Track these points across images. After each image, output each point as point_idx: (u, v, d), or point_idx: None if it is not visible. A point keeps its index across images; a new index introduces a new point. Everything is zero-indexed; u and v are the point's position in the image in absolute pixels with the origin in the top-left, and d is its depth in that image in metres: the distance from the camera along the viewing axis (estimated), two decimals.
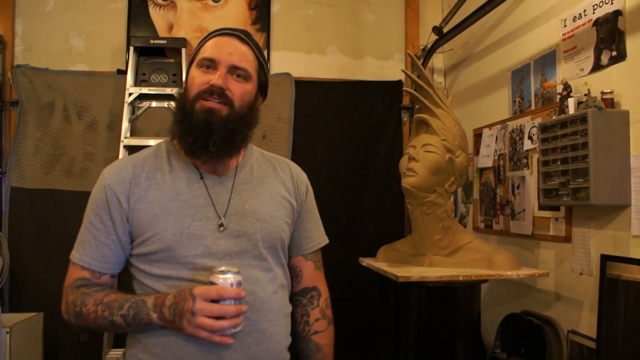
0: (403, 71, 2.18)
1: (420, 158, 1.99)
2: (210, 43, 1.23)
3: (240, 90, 1.20)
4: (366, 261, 2.29)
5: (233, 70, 1.20)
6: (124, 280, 1.29)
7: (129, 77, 2.87)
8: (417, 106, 2.15)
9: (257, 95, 1.28)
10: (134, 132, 2.89)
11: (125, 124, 2.83)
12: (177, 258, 1.14)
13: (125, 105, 2.84)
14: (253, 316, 1.15)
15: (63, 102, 2.91)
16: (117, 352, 2.55)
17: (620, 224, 1.73)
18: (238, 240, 1.18)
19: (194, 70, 1.22)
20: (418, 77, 2.09)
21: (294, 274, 1.35)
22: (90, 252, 1.19)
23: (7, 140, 2.89)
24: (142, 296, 1.14)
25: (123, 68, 2.97)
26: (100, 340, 2.59)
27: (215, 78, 1.17)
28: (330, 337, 1.36)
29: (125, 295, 1.15)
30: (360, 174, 3.10)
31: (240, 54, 1.21)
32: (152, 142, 2.51)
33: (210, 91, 1.17)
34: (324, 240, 1.40)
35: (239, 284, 1.06)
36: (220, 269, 1.07)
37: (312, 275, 1.37)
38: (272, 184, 1.29)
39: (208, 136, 1.16)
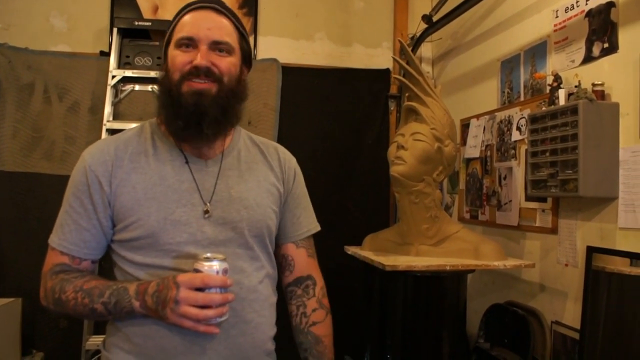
0: (393, 58, 2.16)
1: (409, 146, 1.97)
2: (185, 19, 1.16)
3: (226, 64, 1.15)
4: (352, 250, 2.27)
5: (214, 45, 1.14)
6: (105, 266, 1.25)
7: (112, 59, 2.80)
8: (406, 94, 2.12)
9: (242, 66, 1.22)
10: (116, 116, 2.83)
11: (107, 107, 2.76)
12: (160, 245, 1.10)
13: (108, 88, 2.77)
14: (238, 306, 1.11)
15: (44, 83, 2.82)
16: (97, 339, 2.51)
17: (607, 216, 1.73)
18: (223, 228, 1.14)
19: (173, 51, 1.16)
20: (408, 64, 2.07)
21: (285, 262, 1.31)
22: (70, 237, 1.14)
23: None
24: (124, 283, 1.10)
25: (106, 50, 2.89)
26: (80, 327, 2.55)
27: (198, 58, 1.11)
28: (329, 327, 1.31)
29: (107, 282, 1.11)
30: (347, 162, 3.08)
31: (219, 27, 1.16)
32: (135, 125, 2.45)
33: (195, 72, 1.12)
34: (314, 227, 1.35)
35: (225, 271, 1.03)
36: (205, 256, 1.03)
37: (305, 263, 1.32)
38: (260, 170, 1.25)
39: (200, 118, 1.12)
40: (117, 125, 2.72)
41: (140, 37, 2.87)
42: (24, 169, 2.76)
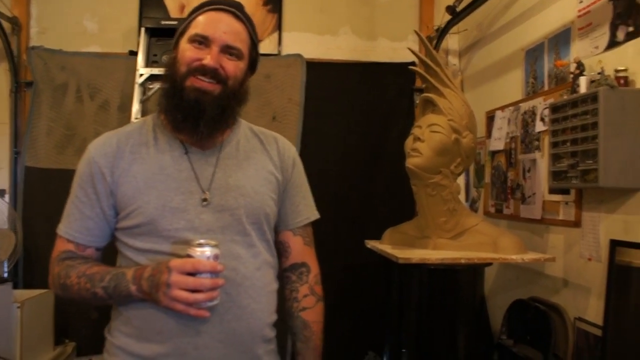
0: (409, 49, 2.12)
1: (426, 138, 1.94)
2: (203, 18, 1.19)
3: (233, 67, 1.19)
4: (371, 243, 2.26)
5: (226, 49, 1.17)
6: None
7: (140, 58, 2.87)
8: (424, 85, 2.10)
9: (247, 71, 1.26)
10: (144, 113, 2.89)
11: (135, 105, 2.84)
12: (159, 231, 1.14)
13: (136, 86, 2.85)
14: (234, 292, 1.13)
15: (76, 83, 2.93)
16: None
17: (632, 208, 1.66)
18: (221, 215, 1.16)
19: (185, 44, 1.19)
20: (426, 55, 2.04)
21: (282, 249, 1.33)
22: (75, 225, 1.20)
23: (22, 121, 2.93)
24: (123, 268, 1.14)
25: (135, 49, 2.97)
26: (109, 318, 2.61)
27: (209, 59, 1.15)
28: (319, 313, 1.33)
29: (108, 268, 1.15)
30: (372, 156, 3.06)
31: (234, 32, 1.19)
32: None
33: (202, 70, 1.15)
34: (313, 215, 1.36)
35: (216, 257, 1.05)
36: (198, 242, 1.05)
37: (301, 250, 1.34)
38: (259, 159, 1.27)
39: (199, 115, 1.15)
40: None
41: (167, 36, 2.92)
42: (58, 166, 2.87)
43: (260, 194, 1.22)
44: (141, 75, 2.85)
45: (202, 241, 1.06)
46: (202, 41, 1.17)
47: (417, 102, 2.99)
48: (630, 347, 1.61)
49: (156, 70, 2.85)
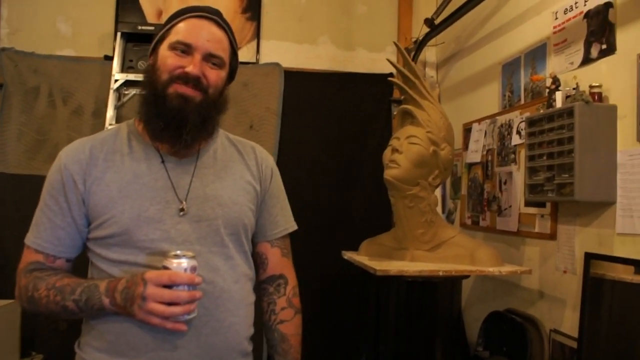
0: (388, 60, 2.12)
1: (404, 150, 1.94)
2: (185, 25, 1.17)
3: (215, 77, 1.17)
4: (348, 254, 2.24)
5: (209, 57, 1.16)
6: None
7: (116, 64, 2.82)
8: (402, 97, 2.10)
9: (227, 80, 1.24)
10: (119, 119, 2.83)
11: (110, 111, 2.78)
12: (134, 242, 1.10)
13: (111, 91, 2.79)
14: (211, 305, 1.10)
15: (49, 87, 2.86)
16: None
17: (605, 221, 1.68)
18: (198, 225, 1.14)
19: (166, 51, 1.16)
20: (404, 67, 2.04)
21: (259, 261, 1.30)
22: (45, 235, 1.15)
23: None
24: (95, 280, 1.09)
25: (110, 54, 2.92)
26: (79, 329, 2.53)
27: (192, 67, 1.13)
28: (297, 326, 1.31)
29: (79, 280, 1.11)
30: (349, 166, 3.05)
31: (216, 41, 1.17)
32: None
33: (184, 78, 1.13)
34: (291, 226, 1.34)
35: (193, 269, 1.02)
36: (174, 253, 1.02)
37: (279, 262, 1.32)
38: (236, 169, 1.25)
39: (181, 123, 1.12)
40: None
41: (143, 41, 2.88)
42: (28, 172, 2.78)
43: (238, 204, 1.20)
44: (116, 80, 2.80)
45: (178, 252, 1.03)
46: (184, 49, 1.14)
47: (395, 113, 3.02)
48: (604, 359, 1.63)
49: (132, 76, 2.81)
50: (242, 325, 1.18)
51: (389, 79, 2.17)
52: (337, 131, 3.05)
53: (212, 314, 1.11)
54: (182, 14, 1.19)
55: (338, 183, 3.03)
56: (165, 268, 1.01)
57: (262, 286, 1.32)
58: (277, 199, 1.32)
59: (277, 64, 3.00)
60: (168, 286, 1.00)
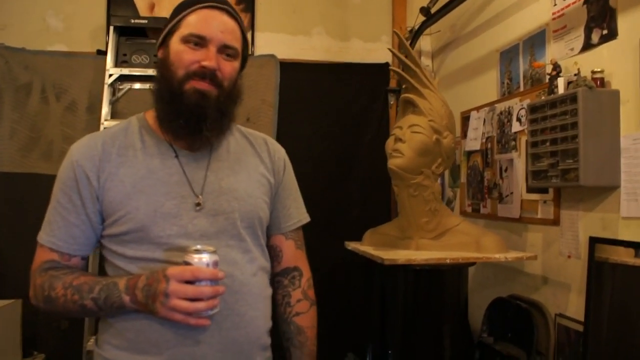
0: (390, 50, 2.12)
1: (407, 139, 1.94)
2: (197, 17, 1.13)
3: (230, 69, 1.15)
4: (352, 245, 2.25)
5: (223, 49, 1.13)
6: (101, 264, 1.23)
7: (109, 58, 2.78)
8: (403, 86, 2.10)
9: (239, 70, 1.22)
10: (114, 115, 2.81)
11: (105, 106, 2.74)
12: (151, 238, 1.09)
13: (105, 86, 2.76)
14: (231, 299, 1.10)
15: (41, 83, 2.81)
16: None
17: (610, 205, 1.70)
18: (215, 220, 1.13)
19: (179, 45, 1.13)
20: (405, 56, 2.04)
21: (274, 253, 1.30)
22: (59, 233, 1.13)
23: None
24: (114, 278, 1.08)
25: (103, 49, 2.88)
26: (81, 328, 2.53)
27: (208, 60, 1.10)
28: (313, 318, 1.30)
29: (97, 278, 1.09)
30: (346, 157, 3.05)
31: (230, 31, 1.15)
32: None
33: (201, 73, 1.10)
34: (304, 218, 1.34)
35: (215, 264, 1.01)
36: (195, 248, 1.01)
37: (293, 254, 1.31)
38: (250, 161, 1.24)
39: (200, 119, 1.10)
40: (114, 124, 2.69)
41: (136, 35, 2.85)
42: (22, 170, 2.75)
43: (253, 197, 1.19)
44: (110, 75, 2.76)
45: (199, 247, 1.01)
46: (197, 42, 1.12)
47: (392, 102, 3.02)
48: (610, 341, 1.65)
49: (126, 71, 2.77)
50: (261, 318, 1.17)
51: (391, 67, 2.16)
52: (333, 121, 3.05)
53: (232, 308, 1.10)
54: (191, 4, 1.15)
55: (336, 174, 3.04)
56: (187, 263, 1.00)
57: (277, 279, 1.31)
58: (290, 190, 1.31)
59: (272, 56, 2.98)
60: (191, 282, 0.99)
